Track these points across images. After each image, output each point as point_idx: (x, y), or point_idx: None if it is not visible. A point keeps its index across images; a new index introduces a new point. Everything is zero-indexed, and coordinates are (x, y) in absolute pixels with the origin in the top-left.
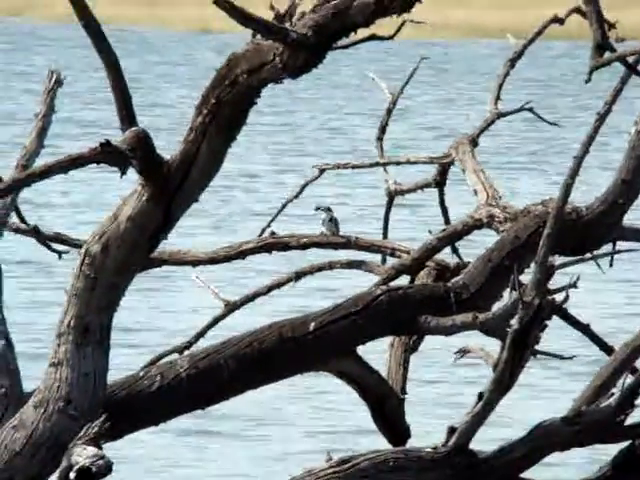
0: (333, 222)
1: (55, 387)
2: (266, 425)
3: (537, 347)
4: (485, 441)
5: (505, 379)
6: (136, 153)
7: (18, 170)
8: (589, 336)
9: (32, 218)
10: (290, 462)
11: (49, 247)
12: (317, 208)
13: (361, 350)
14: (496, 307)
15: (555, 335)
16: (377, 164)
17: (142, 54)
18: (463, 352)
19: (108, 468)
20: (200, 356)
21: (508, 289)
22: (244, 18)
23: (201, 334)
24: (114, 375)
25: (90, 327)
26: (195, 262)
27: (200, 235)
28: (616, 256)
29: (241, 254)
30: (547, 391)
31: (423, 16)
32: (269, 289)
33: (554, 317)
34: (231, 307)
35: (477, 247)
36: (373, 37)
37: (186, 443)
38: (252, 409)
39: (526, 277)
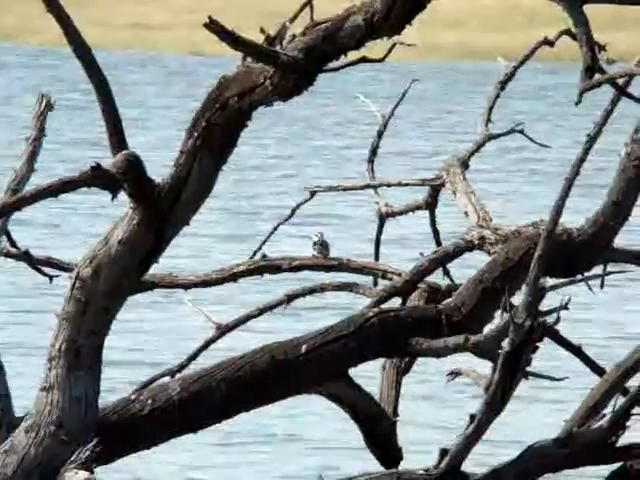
0: (324, 245)
1: (46, 411)
2: (258, 443)
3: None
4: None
5: (497, 401)
6: (127, 176)
7: (8, 194)
8: (581, 358)
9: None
10: None
11: (40, 271)
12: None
13: (352, 372)
14: (487, 329)
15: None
16: (368, 186)
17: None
18: (455, 374)
19: None
20: (192, 379)
21: (499, 311)
22: (234, 41)
23: (193, 357)
24: (105, 397)
25: (81, 351)
26: (187, 285)
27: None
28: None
29: (233, 277)
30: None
31: (413, 38)
32: (261, 311)
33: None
34: (223, 330)
35: (469, 268)
36: (364, 59)
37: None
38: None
39: (518, 299)
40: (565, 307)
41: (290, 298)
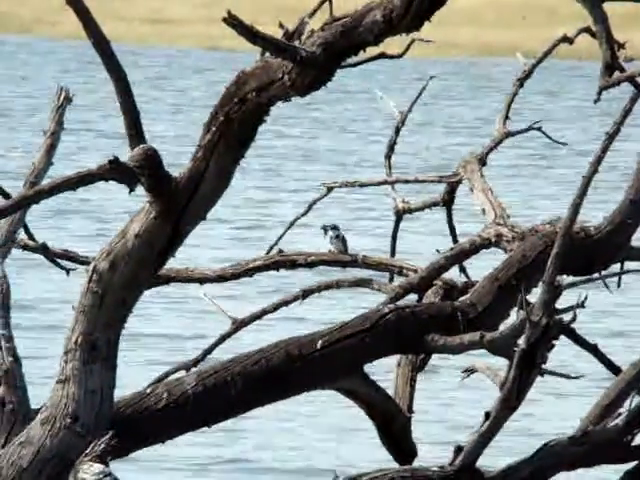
0: (340, 240)
1: (62, 404)
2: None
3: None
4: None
5: (512, 398)
6: (144, 170)
7: (27, 187)
8: (597, 356)
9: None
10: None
11: (57, 264)
12: (324, 227)
13: (368, 368)
14: (503, 326)
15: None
16: (385, 182)
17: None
18: (470, 371)
19: None
20: (207, 373)
21: (515, 308)
22: (253, 36)
23: (208, 351)
24: (120, 392)
25: (97, 344)
26: (203, 279)
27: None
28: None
29: (248, 272)
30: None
31: (431, 35)
32: (276, 307)
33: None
34: (238, 325)
35: (485, 267)
36: (382, 55)
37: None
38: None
39: (534, 296)
40: (582, 305)
41: (306, 293)
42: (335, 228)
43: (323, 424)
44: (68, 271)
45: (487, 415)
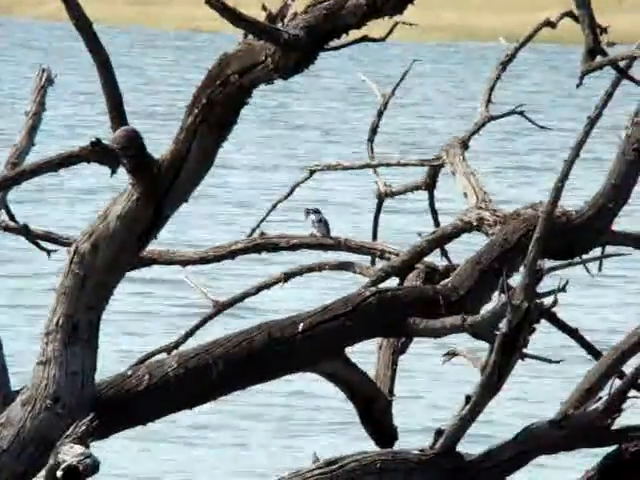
0: (323, 223)
1: (43, 385)
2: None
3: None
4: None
5: (493, 382)
6: (126, 152)
7: (8, 168)
8: (577, 340)
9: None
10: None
11: (38, 245)
12: (307, 211)
13: (349, 351)
14: (485, 310)
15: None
16: (368, 166)
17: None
18: (451, 354)
19: (95, 467)
20: (189, 355)
21: (497, 292)
22: (236, 18)
23: (190, 334)
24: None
25: (79, 326)
26: (185, 262)
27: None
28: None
29: (231, 254)
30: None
31: (414, 18)
32: (258, 289)
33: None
34: (220, 307)
35: (466, 250)
36: (365, 39)
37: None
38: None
39: (515, 280)
40: (563, 289)
41: (287, 276)
42: (317, 212)
43: None
44: (49, 252)
45: (468, 399)
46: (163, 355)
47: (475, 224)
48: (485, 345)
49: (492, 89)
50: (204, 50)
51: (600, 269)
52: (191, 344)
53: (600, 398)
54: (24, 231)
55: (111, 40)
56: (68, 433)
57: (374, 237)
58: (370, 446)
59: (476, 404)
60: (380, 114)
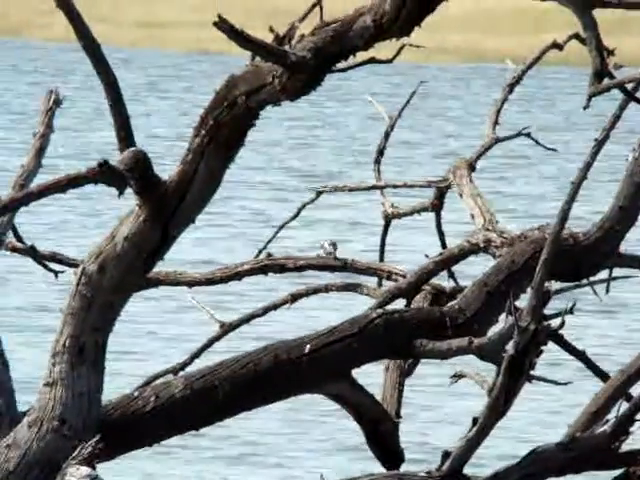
0: (330, 245)
1: (49, 407)
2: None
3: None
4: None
5: (500, 404)
6: (134, 173)
7: (16, 189)
8: (585, 363)
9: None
10: None
11: (45, 266)
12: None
13: (355, 373)
14: (492, 332)
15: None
16: (374, 187)
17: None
18: (458, 376)
19: None
20: (195, 377)
21: (504, 314)
22: (244, 40)
23: (196, 355)
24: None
25: (85, 347)
26: (191, 283)
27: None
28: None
29: (237, 275)
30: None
31: (421, 40)
32: (265, 311)
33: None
34: (226, 328)
35: (474, 272)
36: (372, 60)
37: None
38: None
39: (522, 302)
40: (570, 311)
41: (294, 298)
42: (332, 245)
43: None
44: (57, 273)
45: (475, 421)
46: (169, 376)
47: (482, 246)
48: (492, 367)
49: (499, 111)
50: (212, 73)
51: (607, 291)
52: (197, 365)
53: (607, 421)
54: (31, 252)
55: (116, 64)
56: (74, 455)
57: (381, 259)
58: (377, 467)
59: (483, 426)
60: (387, 135)
